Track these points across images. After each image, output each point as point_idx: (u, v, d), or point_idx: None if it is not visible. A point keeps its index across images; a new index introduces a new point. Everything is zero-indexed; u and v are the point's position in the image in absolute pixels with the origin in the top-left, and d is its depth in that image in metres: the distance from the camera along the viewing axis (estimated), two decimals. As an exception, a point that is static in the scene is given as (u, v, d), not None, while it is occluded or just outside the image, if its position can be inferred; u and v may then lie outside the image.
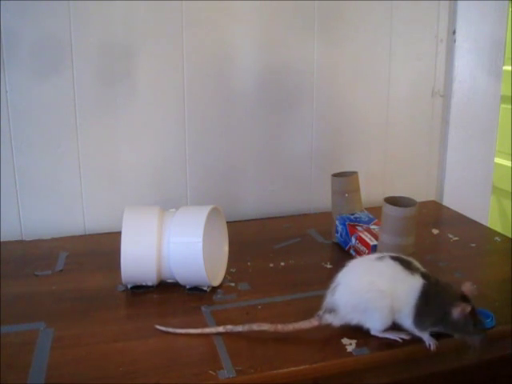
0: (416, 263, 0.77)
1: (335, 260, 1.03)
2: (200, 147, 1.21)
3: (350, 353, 0.72)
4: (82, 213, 1.16)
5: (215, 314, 0.82)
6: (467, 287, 0.74)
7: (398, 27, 1.29)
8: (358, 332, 0.76)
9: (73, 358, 0.71)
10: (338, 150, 1.32)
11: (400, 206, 0.91)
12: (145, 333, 0.77)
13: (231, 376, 0.67)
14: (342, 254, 1.05)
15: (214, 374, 0.67)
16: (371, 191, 1.27)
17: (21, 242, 1.11)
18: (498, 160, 1.74)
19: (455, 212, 1.32)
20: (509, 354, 0.80)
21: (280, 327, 0.74)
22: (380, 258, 0.77)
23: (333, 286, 0.77)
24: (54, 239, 1.11)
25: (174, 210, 0.91)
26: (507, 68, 1.69)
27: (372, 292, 0.74)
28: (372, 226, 1.04)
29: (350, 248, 1.04)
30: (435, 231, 1.17)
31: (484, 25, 1.33)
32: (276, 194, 1.29)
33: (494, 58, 1.35)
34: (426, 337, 0.73)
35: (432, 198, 1.43)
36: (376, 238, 0.98)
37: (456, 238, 1.13)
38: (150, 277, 0.87)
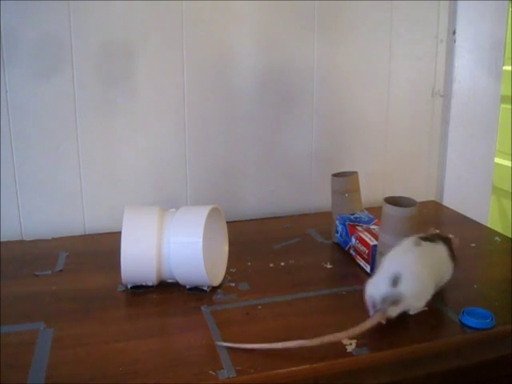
0: (426, 235, 0.86)
1: (335, 260, 1.03)
2: (200, 147, 1.21)
3: (350, 353, 0.72)
4: (82, 213, 1.16)
5: (215, 314, 0.82)
6: (432, 230, 0.92)
7: (398, 27, 1.29)
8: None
9: (73, 358, 0.71)
10: (338, 150, 1.32)
11: (400, 206, 0.91)
12: (145, 333, 0.77)
13: (231, 376, 0.67)
14: (342, 254, 1.05)
15: (213, 374, 0.67)
16: (371, 191, 1.27)
17: (21, 241, 1.11)
18: (498, 160, 1.74)
19: (455, 212, 1.32)
20: (509, 354, 0.80)
21: (351, 332, 0.72)
22: (416, 243, 0.82)
23: (390, 277, 0.76)
24: (54, 239, 1.11)
25: (174, 209, 0.91)
26: (507, 68, 1.69)
27: (432, 276, 0.80)
28: (372, 226, 1.04)
29: (349, 248, 1.04)
30: (435, 231, 1.17)
31: (484, 25, 1.33)
32: (276, 193, 1.29)
33: (494, 58, 1.35)
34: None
35: (432, 198, 1.43)
36: (376, 238, 0.98)
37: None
38: (150, 277, 0.87)
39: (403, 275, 0.76)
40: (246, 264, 1.00)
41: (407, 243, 0.82)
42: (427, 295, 0.79)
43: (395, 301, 0.75)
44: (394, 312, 0.75)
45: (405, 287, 0.75)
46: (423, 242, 0.82)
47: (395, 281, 0.75)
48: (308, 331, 0.76)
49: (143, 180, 1.19)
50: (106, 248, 1.05)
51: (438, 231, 0.92)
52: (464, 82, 1.35)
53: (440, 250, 0.85)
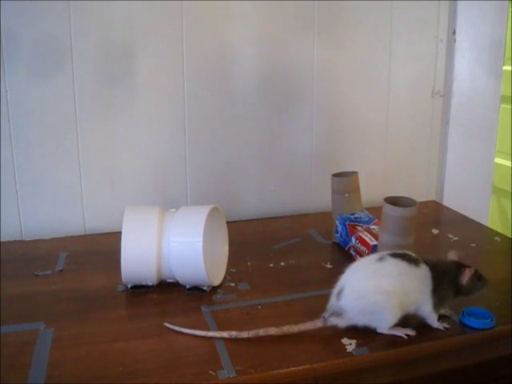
0: (411, 254, 0.80)
1: (335, 260, 1.03)
2: (200, 147, 1.21)
3: (350, 353, 0.72)
4: (82, 213, 1.16)
5: (215, 313, 0.82)
6: (453, 254, 0.82)
7: (398, 27, 1.29)
8: (358, 332, 0.76)
9: (73, 357, 0.71)
10: (338, 150, 1.32)
11: (400, 205, 0.91)
12: (145, 333, 0.77)
13: (231, 376, 0.67)
14: (342, 254, 1.05)
15: (213, 374, 0.67)
16: (371, 191, 1.27)
17: (21, 242, 1.11)
18: (498, 160, 1.74)
19: (455, 212, 1.32)
20: (509, 354, 0.80)
21: (286, 329, 0.75)
22: (381, 259, 0.78)
23: (337, 290, 0.77)
24: (53, 239, 1.11)
25: (174, 209, 0.91)
26: (507, 68, 1.69)
27: (378, 294, 0.74)
28: (372, 226, 1.04)
29: (350, 248, 1.04)
30: (435, 231, 1.17)
31: (484, 25, 1.33)
32: (276, 194, 1.29)
33: (493, 58, 1.35)
34: (436, 324, 0.77)
35: (432, 198, 1.43)
36: (376, 238, 0.98)
37: (456, 238, 1.13)
38: (150, 276, 0.87)
39: (346, 289, 0.76)
40: (245, 264, 1.00)
41: (371, 257, 0.81)
42: (384, 315, 0.75)
43: (336, 313, 0.76)
44: (339, 322, 0.76)
45: (344, 301, 0.76)
46: (391, 259, 0.77)
47: (339, 294, 0.77)
48: (308, 331, 0.76)
49: (143, 180, 1.19)
50: (106, 248, 1.05)
51: (456, 257, 0.81)
52: (464, 81, 1.35)
53: (418, 272, 0.77)
